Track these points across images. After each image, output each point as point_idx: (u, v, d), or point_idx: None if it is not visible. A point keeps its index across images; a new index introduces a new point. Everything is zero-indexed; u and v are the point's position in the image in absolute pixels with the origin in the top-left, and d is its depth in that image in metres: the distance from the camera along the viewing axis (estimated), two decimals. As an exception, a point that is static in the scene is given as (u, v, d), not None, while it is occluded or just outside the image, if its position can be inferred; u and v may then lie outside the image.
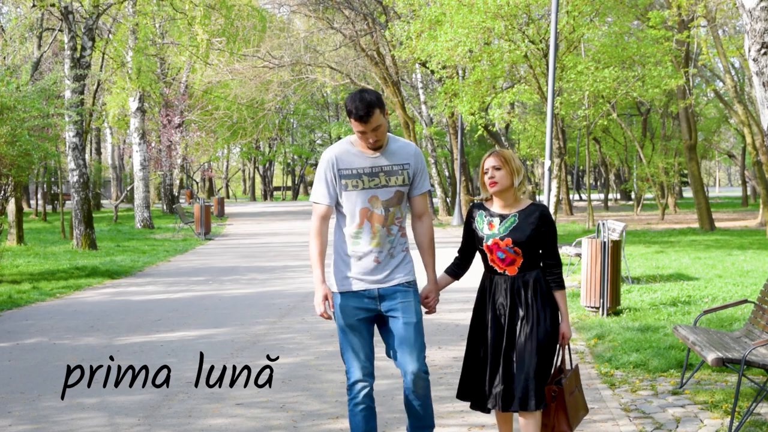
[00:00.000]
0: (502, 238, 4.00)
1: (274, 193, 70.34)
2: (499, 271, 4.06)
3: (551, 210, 15.09)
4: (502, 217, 4.05)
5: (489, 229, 4.04)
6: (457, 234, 22.54)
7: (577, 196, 49.86)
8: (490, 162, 4.04)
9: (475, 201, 4.04)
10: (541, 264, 4.09)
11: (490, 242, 4.03)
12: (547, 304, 4.00)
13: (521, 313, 3.99)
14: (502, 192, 4.02)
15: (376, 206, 3.97)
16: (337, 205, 4.03)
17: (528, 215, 4.02)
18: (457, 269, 4.24)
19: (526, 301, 3.98)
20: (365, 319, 4.05)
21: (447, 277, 4.23)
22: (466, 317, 8.82)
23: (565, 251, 12.77)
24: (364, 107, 3.84)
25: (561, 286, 4.05)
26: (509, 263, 4.02)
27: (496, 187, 4.01)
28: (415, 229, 4.21)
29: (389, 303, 4.02)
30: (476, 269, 4.25)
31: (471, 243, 4.15)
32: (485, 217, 4.08)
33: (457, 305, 9.10)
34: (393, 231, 4.01)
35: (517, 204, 4.07)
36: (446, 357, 6.94)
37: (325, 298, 3.87)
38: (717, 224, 24.14)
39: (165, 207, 37.31)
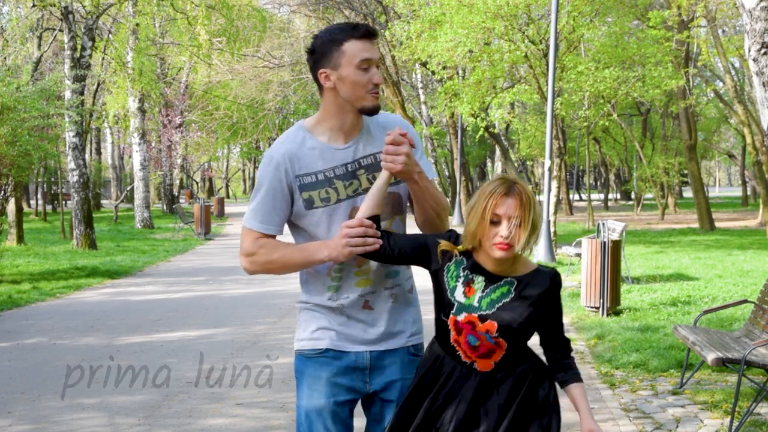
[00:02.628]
0: (482, 318, 2.43)
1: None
2: (463, 359, 2.50)
3: (551, 210, 15.09)
4: (491, 281, 2.46)
5: (465, 294, 2.46)
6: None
7: (577, 196, 49.87)
8: (506, 206, 2.41)
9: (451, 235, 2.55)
10: (544, 355, 2.61)
11: (461, 317, 2.45)
12: (545, 421, 2.51)
13: None
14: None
15: None
16: (295, 230, 2.66)
17: (531, 287, 2.47)
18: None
19: (498, 418, 2.47)
20: (346, 402, 2.61)
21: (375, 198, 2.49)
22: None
23: (565, 251, 12.78)
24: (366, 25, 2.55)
25: (578, 377, 2.56)
26: (483, 354, 2.47)
27: (508, 252, 2.41)
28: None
29: (385, 378, 2.63)
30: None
31: (416, 259, 2.56)
32: (462, 270, 2.48)
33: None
34: None
35: (517, 265, 2.49)
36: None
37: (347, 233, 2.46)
38: (717, 224, 24.15)
39: (165, 207, 37.31)
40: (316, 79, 2.55)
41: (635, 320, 8.45)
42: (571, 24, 16.09)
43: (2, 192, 13.09)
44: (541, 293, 2.46)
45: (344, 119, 2.54)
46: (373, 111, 2.51)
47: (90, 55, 18.27)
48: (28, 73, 14.25)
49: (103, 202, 51.01)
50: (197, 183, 61.97)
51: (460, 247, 2.49)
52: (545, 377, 2.54)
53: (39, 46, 22.13)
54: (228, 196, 65.39)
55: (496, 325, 2.42)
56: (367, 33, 2.48)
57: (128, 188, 34.87)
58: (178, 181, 42.93)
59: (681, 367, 6.23)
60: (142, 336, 8.15)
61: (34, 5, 19.13)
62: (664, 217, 30.04)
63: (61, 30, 21.01)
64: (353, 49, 2.45)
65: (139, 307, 10.08)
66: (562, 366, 2.55)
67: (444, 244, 2.51)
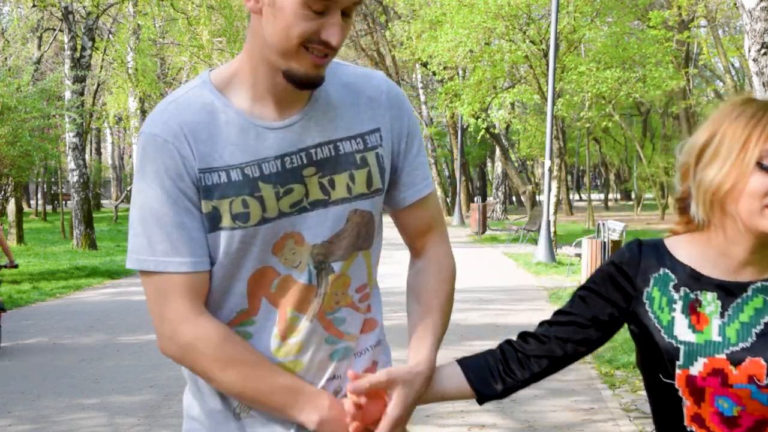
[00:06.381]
0: (736, 359, 1.40)
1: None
2: None
3: (551, 210, 15.08)
4: (729, 293, 1.44)
5: (693, 327, 1.44)
6: (457, 235, 22.49)
7: (577, 196, 49.88)
8: None
9: (643, 241, 1.54)
10: None
11: (697, 368, 1.42)
12: None
13: None
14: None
15: (291, 262, 1.49)
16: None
17: None
18: (506, 367, 1.55)
19: None
20: None
21: (457, 369, 1.61)
22: (466, 317, 8.86)
23: (565, 251, 12.79)
24: None
25: None
26: (750, 428, 1.41)
27: None
28: (414, 274, 1.66)
29: None
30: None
31: (581, 332, 1.54)
32: (675, 290, 1.47)
33: (457, 305, 9.05)
34: (343, 322, 1.55)
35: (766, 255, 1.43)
36: (447, 357, 6.92)
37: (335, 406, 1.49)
38: (717, 224, 24.14)
39: (165, 207, 37.26)
40: None
41: (635, 320, 8.45)
42: (572, 24, 16.10)
43: (2, 192, 13.09)
44: None
45: (277, 76, 1.42)
46: (306, 83, 1.39)
47: (90, 56, 18.29)
48: (29, 74, 14.26)
49: (103, 202, 51.01)
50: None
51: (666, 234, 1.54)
52: None
53: (39, 46, 22.14)
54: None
55: (765, 365, 1.37)
56: None
57: (128, 188, 34.89)
58: (178, 181, 42.85)
59: (681, 367, 6.22)
60: (142, 336, 8.15)
61: (34, 5, 19.15)
62: (664, 217, 30.05)
63: (61, 30, 21.03)
64: None
65: (139, 307, 10.07)
66: None
67: (678, 226, 1.52)
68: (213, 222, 1.45)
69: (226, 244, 1.45)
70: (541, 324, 1.57)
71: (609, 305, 1.51)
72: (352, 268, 1.53)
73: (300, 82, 1.39)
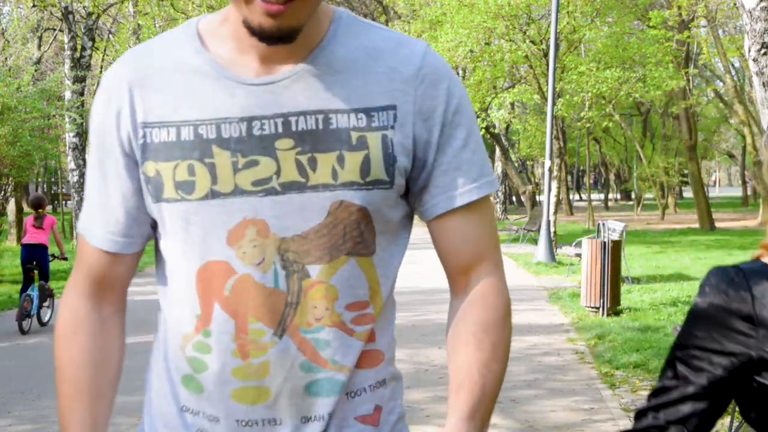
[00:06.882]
0: None
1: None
2: None
3: (551, 210, 15.09)
4: None
5: None
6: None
7: (577, 196, 49.90)
8: None
9: (739, 267, 1.20)
10: None
11: None
12: None
13: None
14: None
15: (252, 258, 1.15)
16: (157, 246, 1.26)
17: None
18: None
19: None
20: None
21: None
22: (466, 317, 8.83)
23: (565, 251, 12.80)
24: None
25: None
26: None
27: None
28: (456, 304, 1.24)
29: None
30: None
31: (714, 408, 1.21)
32: None
33: (457, 305, 9.09)
34: (326, 345, 1.18)
35: None
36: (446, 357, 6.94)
37: None
38: (717, 224, 24.15)
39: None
40: None
41: (635, 320, 8.45)
42: (572, 24, 16.11)
43: (2, 192, 13.10)
44: None
45: None
46: (262, 35, 1.09)
47: (90, 56, 18.31)
48: (29, 74, 14.27)
49: (104, 202, 50.99)
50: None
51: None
52: None
53: (39, 46, 22.15)
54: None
55: None
56: None
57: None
58: (178, 181, 42.95)
59: (681, 367, 6.22)
60: (142, 336, 8.14)
61: (34, 5, 19.16)
62: (664, 217, 30.06)
63: (61, 30, 21.04)
64: None
65: (139, 307, 10.05)
66: None
67: None
68: (157, 190, 1.18)
69: (169, 222, 1.18)
70: (642, 414, 1.26)
71: (727, 358, 1.15)
72: (339, 277, 1.16)
73: (257, 35, 1.09)
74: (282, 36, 1.09)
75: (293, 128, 1.14)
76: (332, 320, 1.17)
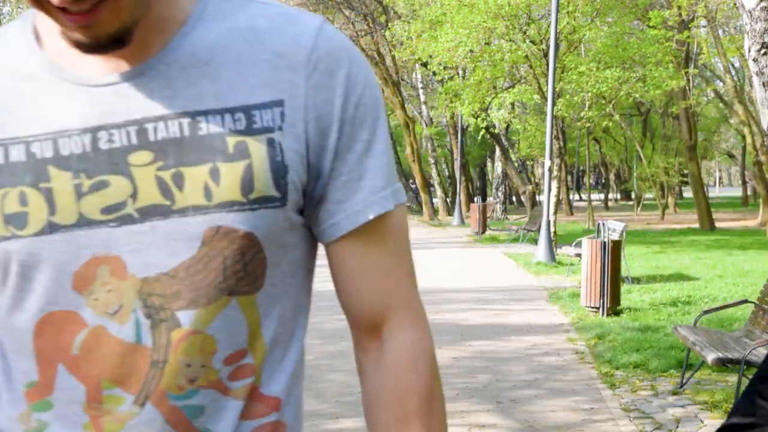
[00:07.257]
0: None
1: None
2: None
3: (551, 210, 15.10)
4: None
5: None
6: (457, 235, 22.51)
7: (577, 196, 49.93)
8: None
9: None
10: None
11: None
12: None
13: None
14: None
15: (106, 306, 0.88)
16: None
17: None
18: None
19: None
20: None
21: None
22: (466, 317, 8.87)
23: (565, 251, 12.81)
24: None
25: None
26: None
27: None
28: (370, 371, 1.00)
29: None
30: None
31: None
32: None
33: (457, 305, 9.09)
34: (200, 413, 0.91)
35: None
36: (446, 357, 6.94)
37: None
38: (717, 224, 24.17)
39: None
40: None
41: (635, 320, 8.46)
42: (572, 24, 16.12)
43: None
44: None
45: None
46: (89, 49, 0.86)
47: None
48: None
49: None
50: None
51: None
52: None
53: (39, 46, 22.22)
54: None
55: None
56: None
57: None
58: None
59: (681, 367, 6.23)
60: (143, 336, 8.15)
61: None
62: (664, 217, 30.07)
63: (61, 30, 21.08)
64: None
65: None
66: None
67: None
68: None
69: (13, 263, 0.90)
70: None
71: None
72: (218, 325, 0.90)
73: (80, 49, 0.86)
74: (109, 44, 0.85)
75: (151, 138, 0.88)
76: (209, 380, 0.91)
